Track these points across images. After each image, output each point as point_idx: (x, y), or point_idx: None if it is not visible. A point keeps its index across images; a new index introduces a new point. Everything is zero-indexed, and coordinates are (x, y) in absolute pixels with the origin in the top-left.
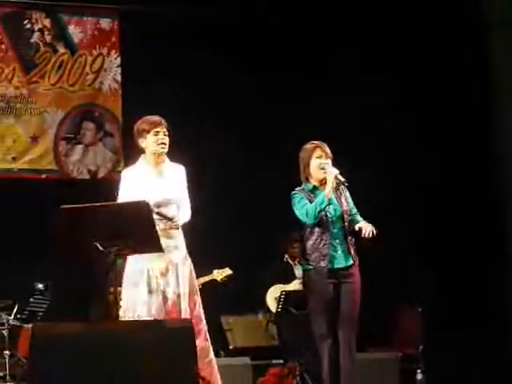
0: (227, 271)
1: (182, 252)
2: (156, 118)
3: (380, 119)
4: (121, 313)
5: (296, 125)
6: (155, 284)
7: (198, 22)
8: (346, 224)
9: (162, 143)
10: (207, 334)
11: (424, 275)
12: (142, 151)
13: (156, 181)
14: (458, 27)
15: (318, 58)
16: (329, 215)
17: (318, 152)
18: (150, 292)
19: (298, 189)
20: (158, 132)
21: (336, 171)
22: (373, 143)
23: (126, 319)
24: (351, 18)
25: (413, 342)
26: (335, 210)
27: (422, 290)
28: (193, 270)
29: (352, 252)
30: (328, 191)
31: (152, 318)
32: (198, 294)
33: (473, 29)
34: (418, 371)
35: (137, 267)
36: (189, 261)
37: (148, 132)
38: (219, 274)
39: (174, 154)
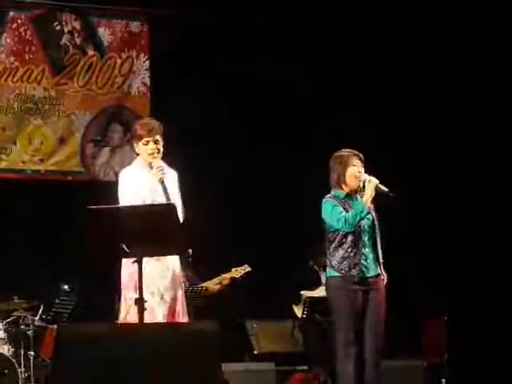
0: (246, 268)
1: (167, 261)
2: (149, 125)
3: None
4: (121, 316)
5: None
6: (154, 288)
7: (228, 26)
8: (378, 232)
9: (151, 153)
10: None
11: (450, 284)
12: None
13: (153, 184)
14: None
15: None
16: (362, 224)
17: (354, 160)
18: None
19: (328, 196)
20: (147, 142)
21: (376, 181)
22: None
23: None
24: None
25: (438, 350)
26: (368, 219)
27: (447, 299)
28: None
29: (380, 260)
30: (366, 200)
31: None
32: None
33: None
34: (443, 380)
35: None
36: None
37: (139, 139)
38: (238, 272)
39: (202, 153)
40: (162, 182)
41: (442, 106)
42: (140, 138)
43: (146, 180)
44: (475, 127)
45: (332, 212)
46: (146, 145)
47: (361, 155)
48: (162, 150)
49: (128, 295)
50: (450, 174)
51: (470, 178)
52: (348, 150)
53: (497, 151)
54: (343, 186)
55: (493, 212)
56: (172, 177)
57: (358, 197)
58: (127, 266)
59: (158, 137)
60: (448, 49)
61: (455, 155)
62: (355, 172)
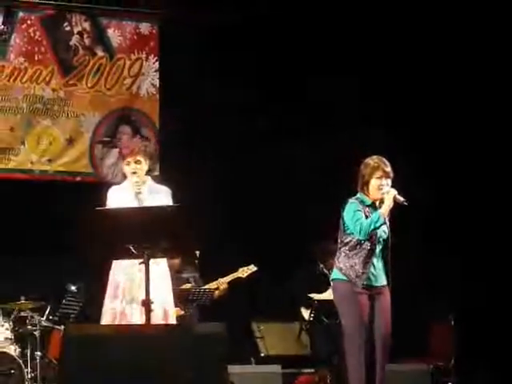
0: (252, 268)
1: (162, 266)
2: (132, 145)
3: None
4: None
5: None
6: (130, 296)
7: (237, 28)
8: (390, 246)
9: (134, 173)
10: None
11: (457, 288)
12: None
13: (133, 200)
14: None
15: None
16: (379, 235)
17: (379, 172)
18: (127, 303)
19: (355, 198)
20: (128, 162)
21: (395, 192)
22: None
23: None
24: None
25: (444, 354)
26: (385, 232)
27: (454, 302)
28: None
29: (388, 271)
30: (385, 210)
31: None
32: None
33: None
34: None
35: (119, 277)
36: (168, 276)
37: (123, 160)
38: (244, 271)
39: (209, 153)
40: (137, 196)
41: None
42: (124, 158)
43: (125, 196)
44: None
45: (354, 215)
46: (128, 165)
47: (386, 166)
48: (145, 169)
49: (111, 300)
50: (452, 173)
51: (477, 177)
52: (377, 159)
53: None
54: (368, 195)
55: (502, 214)
56: (163, 194)
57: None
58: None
59: (139, 157)
60: (469, 46)
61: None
62: (378, 185)
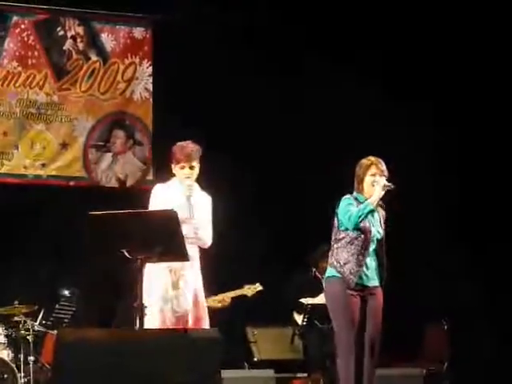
0: (258, 287)
1: (196, 269)
2: (187, 150)
3: None
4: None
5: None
6: (167, 296)
7: (232, 33)
8: (384, 249)
9: (187, 177)
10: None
11: (450, 291)
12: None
13: (181, 201)
14: None
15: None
16: (373, 234)
17: (372, 169)
18: (164, 303)
19: (349, 195)
20: (183, 167)
21: (384, 181)
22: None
23: None
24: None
25: (438, 358)
26: (379, 233)
27: (448, 306)
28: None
29: (382, 274)
30: (374, 199)
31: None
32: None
33: None
34: None
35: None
36: (200, 277)
37: (177, 163)
38: (250, 290)
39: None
40: (189, 199)
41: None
42: (178, 162)
43: (175, 196)
44: None
45: (345, 208)
46: (182, 169)
47: (380, 164)
48: (197, 173)
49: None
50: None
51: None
52: (372, 158)
53: None
54: (363, 193)
55: (494, 213)
56: (206, 201)
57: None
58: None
59: (194, 163)
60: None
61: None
62: (371, 181)
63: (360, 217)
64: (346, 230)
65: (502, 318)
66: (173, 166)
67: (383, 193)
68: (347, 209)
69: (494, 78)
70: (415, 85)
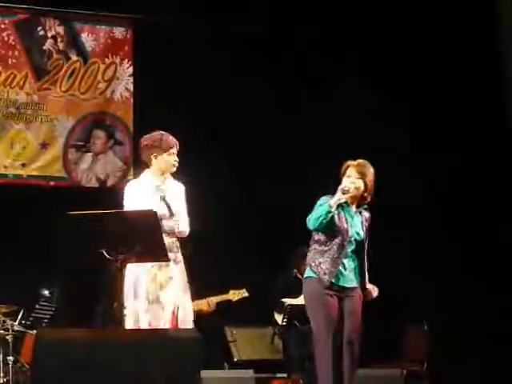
0: (244, 293)
1: (181, 265)
2: (173, 138)
3: None
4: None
5: (314, 137)
6: (154, 295)
7: (213, 32)
8: (366, 252)
9: (174, 165)
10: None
11: (430, 292)
12: (146, 165)
13: (154, 192)
14: None
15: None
16: (350, 234)
17: (347, 172)
18: (150, 303)
19: (327, 196)
20: (172, 153)
21: (345, 184)
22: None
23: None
24: None
25: (418, 359)
26: (358, 234)
27: (427, 307)
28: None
29: (362, 275)
30: (333, 201)
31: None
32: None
33: None
34: None
35: (136, 279)
36: (184, 273)
37: (164, 151)
38: (235, 295)
39: (184, 164)
40: (163, 198)
41: None
42: (165, 150)
43: (152, 194)
44: None
45: (315, 208)
46: (172, 156)
47: (359, 166)
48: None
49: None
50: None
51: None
52: (358, 160)
53: None
54: None
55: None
56: (180, 189)
57: (353, 208)
58: (129, 276)
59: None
60: None
61: None
62: (347, 183)
63: (319, 219)
64: (325, 233)
65: (483, 318)
66: (153, 157)
67: (344, 196)
68: (315, 209)
69: (494, 77)
70: (415, 85)
